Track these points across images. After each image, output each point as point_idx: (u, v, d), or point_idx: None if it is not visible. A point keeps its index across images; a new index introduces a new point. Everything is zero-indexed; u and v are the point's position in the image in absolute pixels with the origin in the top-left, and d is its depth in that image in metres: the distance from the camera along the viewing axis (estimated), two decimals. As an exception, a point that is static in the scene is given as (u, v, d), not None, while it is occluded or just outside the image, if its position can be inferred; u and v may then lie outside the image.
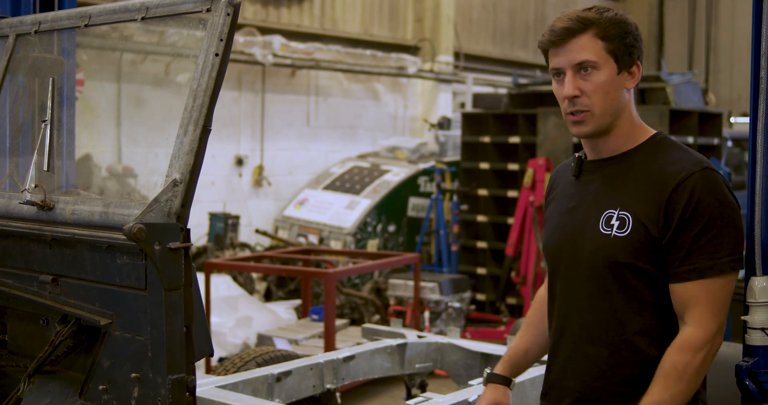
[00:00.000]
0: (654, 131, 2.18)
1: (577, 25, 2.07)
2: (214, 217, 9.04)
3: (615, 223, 2.07)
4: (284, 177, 10.47)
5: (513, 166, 8.64)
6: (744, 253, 2.07)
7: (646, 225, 2.04)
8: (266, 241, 9.62)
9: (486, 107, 9.05)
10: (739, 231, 2.04)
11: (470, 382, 3.21)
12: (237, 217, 9.11)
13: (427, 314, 7.21)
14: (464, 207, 9.01)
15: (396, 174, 9.77)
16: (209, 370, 5.34)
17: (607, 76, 2.08)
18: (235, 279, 7.78)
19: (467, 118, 9.17)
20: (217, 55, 2.18)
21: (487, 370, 2.48)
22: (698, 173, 2.02)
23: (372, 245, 9.27)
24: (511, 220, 8.40)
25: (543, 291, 2.43)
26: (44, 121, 2.59)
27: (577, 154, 2.26)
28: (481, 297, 8.69)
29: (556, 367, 2.24)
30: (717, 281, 2.00)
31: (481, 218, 8.87)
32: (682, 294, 2.03)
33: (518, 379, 3.17)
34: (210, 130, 2.17)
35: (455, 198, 8.86)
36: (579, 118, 2.11)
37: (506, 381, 2.44)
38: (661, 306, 2.08)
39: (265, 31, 10.05)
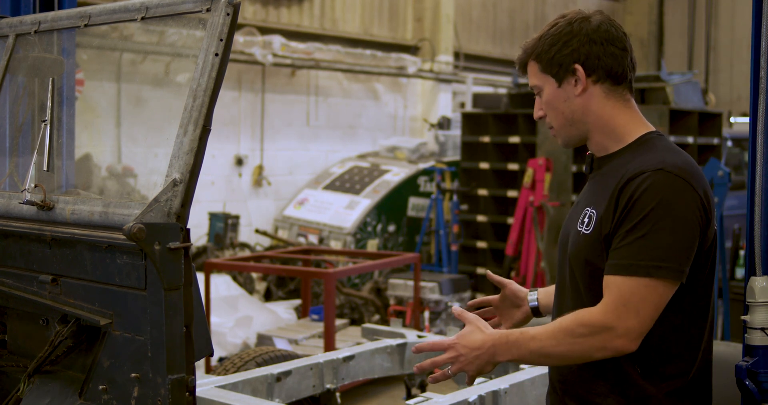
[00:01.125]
0: (649, 130, 2.16)
1: (522, 57, 2.25)
2: (214, 217, 9.04)
3: (586, 220, 2.09)
4: (284, 177, 10.47)
5: (513, 166, 8.64)
6: (682, 264, 1.96)
7: (602, 223, 2.04)
8: (266, 241, 9.62)
9: (486, 107, 9.05)
10: (676, 239, 1.95)
11: (470, 382, 3.20)
12: (237, 217, 9.10)
13: (426, 314, 7.21)
14: (464, 207, 9.01)
15: (396, 174, 9.77)
16: (209, 370, 5.34)
17: (549, 94, 2.18)
18: (235, 279, 7.78)
19: (467, 118, 9.16)
20: (216, 55, 2.18)
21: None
22: (650, 173, 1.98)
23: (372, 245, 9.27)
24: (511, 220, 8.40)
25: None
26: (44, 121, 2.59)
27: (588, 152, 2.27)
28: (481, 297, 8.67)
29: None
30: (628, 281, 1.95)
31: (481, 218, 8.87)
32: (603, 286, 2.01)
33: (518, 379, 3.18)
34: (210, 130, 2.17)
35: (455, 198, 8.86)
36: (552, 134, 2.26)
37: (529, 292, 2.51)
38: None
39: (265, 31, 10.05)
